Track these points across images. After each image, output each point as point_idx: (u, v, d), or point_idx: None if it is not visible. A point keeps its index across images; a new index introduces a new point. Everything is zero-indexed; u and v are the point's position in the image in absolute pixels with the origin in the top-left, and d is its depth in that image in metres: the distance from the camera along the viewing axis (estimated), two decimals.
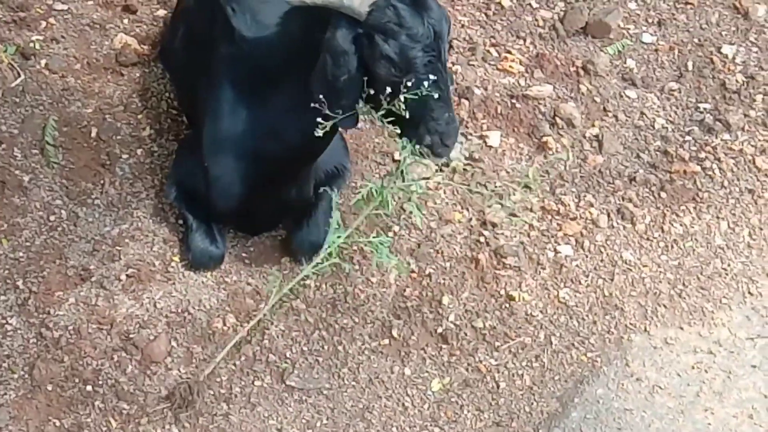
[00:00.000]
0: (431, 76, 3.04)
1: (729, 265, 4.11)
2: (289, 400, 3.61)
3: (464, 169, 4.19)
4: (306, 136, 3.41)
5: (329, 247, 3.48)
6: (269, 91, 3.51)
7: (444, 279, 3.93)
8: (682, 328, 3.93)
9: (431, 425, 3.63)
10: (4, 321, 3.57)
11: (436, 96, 3.04)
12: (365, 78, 3.14)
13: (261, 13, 3.67)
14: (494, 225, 4.06)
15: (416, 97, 3.03)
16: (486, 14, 4.74)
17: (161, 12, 4.47)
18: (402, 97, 3.03)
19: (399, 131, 3.17)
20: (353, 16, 3.04)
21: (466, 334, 3.81)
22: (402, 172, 3.38)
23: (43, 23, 4.33)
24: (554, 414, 3.70)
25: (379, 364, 3.72)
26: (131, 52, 4.29)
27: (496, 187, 4.07)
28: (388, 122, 3.14)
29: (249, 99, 3.58)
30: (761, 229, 4.21)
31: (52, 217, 3.82)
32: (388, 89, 3.06)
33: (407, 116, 3.06)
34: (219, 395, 3.58)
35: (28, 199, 3.83)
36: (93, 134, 4.04)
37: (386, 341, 3.77)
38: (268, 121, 3.56)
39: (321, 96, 3.15)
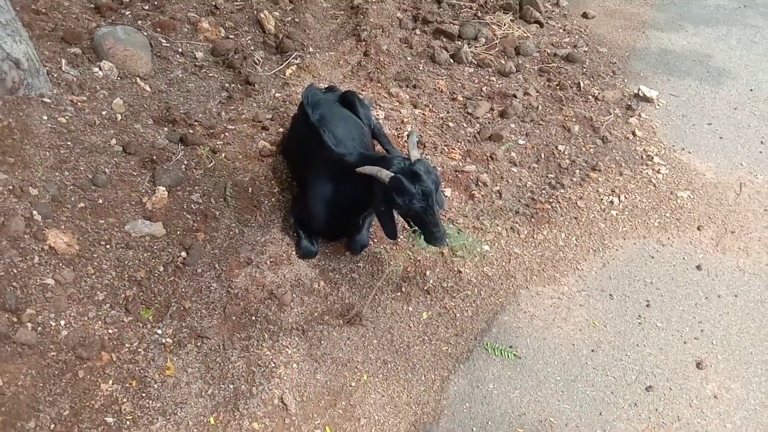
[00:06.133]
0: (425, 217, 3.18)
1: (565, 255, 4.20)
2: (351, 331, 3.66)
3: None
4: (366, 199, 3.45)
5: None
6: (344, 177, 3.52)
7: (426, 262, 4.00)
8: (545, 287, 3.97)
9: (423, 335, 3.69)
10: (210, 284, 3.62)
11: (428, 220, 3.18)
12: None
13: (337, 129, 3.76)
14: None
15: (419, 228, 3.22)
16: (441, 129, 4.86)
17: (281, 129, 4.55)
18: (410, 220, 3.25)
19: (416, 229, 3.30)
20: (383, 181, 3.13)
21: (438, 290, 3.88)
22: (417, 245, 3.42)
23: (222, 135, 4.41)
24: (485, 329, 3.75)
25: (395, 305, 3.78)
26: (266, 149, 4.37)
27: (454, 224, 4.17)
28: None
29: (334, 179, 3.60)
30: (581, 237, 4.30)
31: (231, 232, 3.88)
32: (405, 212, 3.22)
33: (416, 226, 3.25)
34: (303, 331, 3.61)
35: (218, 223, 3.90)
36: (250, 191, 4.11)
37: (398, 293, 3.84)
38: (345, 191, 3.57)
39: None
